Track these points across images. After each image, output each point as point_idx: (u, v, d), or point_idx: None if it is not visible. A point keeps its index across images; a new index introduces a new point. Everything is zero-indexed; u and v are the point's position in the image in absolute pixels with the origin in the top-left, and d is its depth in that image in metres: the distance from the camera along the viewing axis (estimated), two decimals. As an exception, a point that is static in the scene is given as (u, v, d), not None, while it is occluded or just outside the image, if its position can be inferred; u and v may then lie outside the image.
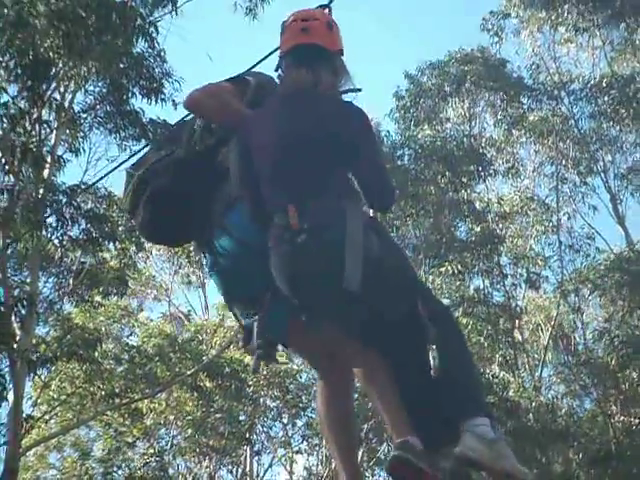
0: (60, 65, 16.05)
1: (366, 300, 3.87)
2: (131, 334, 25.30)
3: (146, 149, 5.62)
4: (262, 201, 4.11)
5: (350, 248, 3.81)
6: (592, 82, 26.61)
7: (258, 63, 5.59)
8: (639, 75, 26.50)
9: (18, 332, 16.09)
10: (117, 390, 20.97)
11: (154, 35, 16.40)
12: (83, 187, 16.76)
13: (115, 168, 11.80)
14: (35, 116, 15.70)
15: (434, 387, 4.03)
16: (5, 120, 15.18)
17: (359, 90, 4.52)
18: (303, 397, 25.27)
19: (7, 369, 15.98)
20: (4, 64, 14.94)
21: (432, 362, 4.13)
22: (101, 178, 18.16)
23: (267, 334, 4.32)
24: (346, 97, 4.49)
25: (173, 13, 17.41)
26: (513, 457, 3.85)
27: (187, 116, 5.02)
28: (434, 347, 4.07)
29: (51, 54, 15.21)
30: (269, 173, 4.12)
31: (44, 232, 16.37)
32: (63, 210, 16.17)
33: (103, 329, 22.78)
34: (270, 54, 5.14)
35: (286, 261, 3.94)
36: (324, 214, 3.93)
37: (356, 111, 4.25)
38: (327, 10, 5.02)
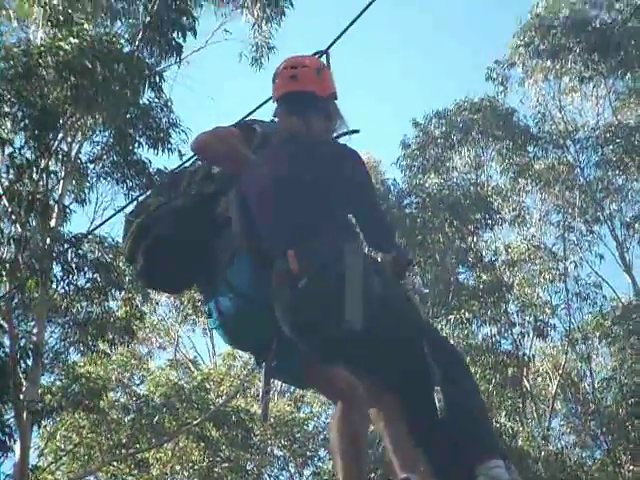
0: (67, 116, 16.15)
1: (370, 340, 3.87)
2: (142, 382, 25.22)
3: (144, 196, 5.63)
4: (263, 248, 4.13)
5: (350, 288, 3.81)
6: (597, 131, 26.74)
7: (252, 112, 5.62)
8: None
9: (24, 382, 16.07)
10: (124, 440, 20.88)
11: (160, 85, 16.51)
12: (88, 235, 16.78)
13: (113, 215, 11.86)
14: (42, 166, 15.77)
15: (444, 429, 3.97)
16: (12, 170, 15.26)
17: (357, 132, 4.57)
18: (310, 446, 25.12)
19: (13, 420, 15.94)
20: (11, 115, 15.03)
21: (438, 404, 4.09)
22: (101, 224, 18.16)
23: (281, 379, 4.37)
24: (344, 139, 4.53)
25: (179, 63, 17.57)
26: None
27: (187, 162, 5.04)
28: (439, 389, 4.02)
29: (59, 105, 15.29)
30: (267, 219, 4.17)
31: (50, 282, 16.39)
32: (69, 259, 16.20)
33: (113, 377, 22.75)
34: (264, 103, 5.18)
35: (289, 306, 3.96)
36: (323, 257, 3.95)
37: (349, 153, 4.30)
38: (325, 56, 5.08)
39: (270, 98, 4.78)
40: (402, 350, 3.97)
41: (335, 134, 4.47)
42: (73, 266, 16.33)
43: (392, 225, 4.57)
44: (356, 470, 4.29)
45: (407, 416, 4.06)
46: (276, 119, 4.51)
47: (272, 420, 23.12)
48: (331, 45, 5.53)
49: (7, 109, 15.01)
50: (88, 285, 16.94)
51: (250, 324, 4.23)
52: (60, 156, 16.60)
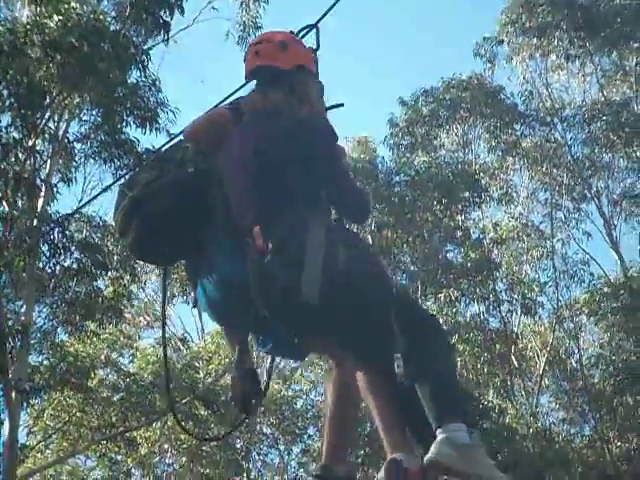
0: (54, 94, 16.09)
1: (336, 311, 3.91)
2: (130, 361, 25.23)
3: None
4: (240, 227, 4.16)
5: (309, 263, 3.86)
6: (584, 109, 26.74)
7: (237, 91, 5.59)
8: (631, 101, 26.68)
9: (12, 361, 16.07)
10: (113, 419, 20.91)
11: (146, 63, 16.43)
12: (73, 214, 16.73)
13: (98, 194, 11.76)
14: (28, 145, 15.72)
15: (410, 395, 3.98)
16: (-3, 149, 15.20)
17: (341, 105, 4.58)
18: (299, 423, 25.19)
19: (1, 399, 15.97)
20: (-3, 93, 14.95)
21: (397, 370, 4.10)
22: (86, 203, 18.09)
23: (280, 355, 4.56)
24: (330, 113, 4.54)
25: (167, 42, 17.46)
26: (489, 462, 3.82)
27: (174, 139, 5.03)
28: (404, 355, 4.02)
29: (45, 83, 15.23)
30: (238, 197, 4.20)
31: (38, 261, 16.36)
32: (55, 239, 16.16)
33: (102, 357, 22.72)
34: (247, 82, 5.16)
35: (257, 282, 4.01)
36: (286, 232, 3.98)
37: (315, 126, 4.31)
38: (315, 30, 5.06)
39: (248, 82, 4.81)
40: (366, 318, 3.98)
41: (309, 106, 4.46)
42: (60, 246, 16.29)
43: (365, 195, 4.58)
44: (341, 434, 4.30)
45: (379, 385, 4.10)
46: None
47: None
48: (320, 19, 5.50)
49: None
50: (74, 266, 16.89)
51: (234, 306, 4.27)
52: (47, 135, 16.55)
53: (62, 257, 16.51)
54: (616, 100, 26.82)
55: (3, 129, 15.35)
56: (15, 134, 15.47)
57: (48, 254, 16.37)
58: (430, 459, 3.75)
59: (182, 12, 16.97)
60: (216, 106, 4.96)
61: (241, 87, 5.56)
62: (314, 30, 5.05)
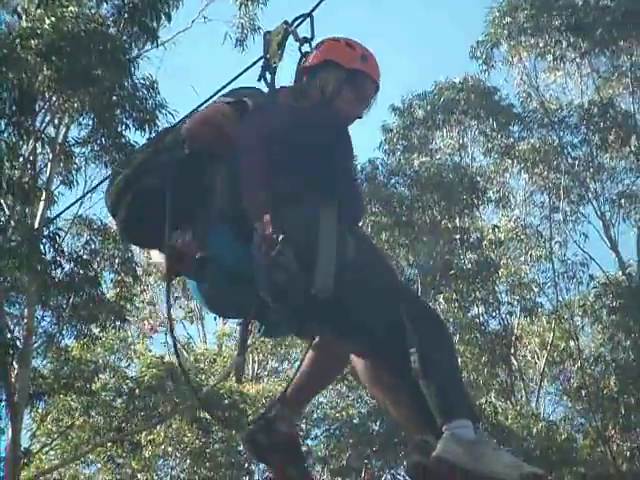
0: (54, 99, 16.12)
1: (344, 304, 3.93)
2: (129, 365, 25.21)
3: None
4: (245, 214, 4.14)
5: (322, 254, 3.88)
6: (580, 110, 26.72)
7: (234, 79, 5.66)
8: (617, 100, 26.73)
9: (15, 366, 16.12)
10: (117, 422, 20.91)
11: (132, 70, 16.45)
12: (59, 216, 16.61)
13: (83, 196, 11.72)
14: (23, 150, 15.71)
15: (418, 390, 3.99)
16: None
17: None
18: (302, 425, 25.12)
19: (4, 403, 16.03)
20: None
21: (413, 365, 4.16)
22: (71, 205, 18.01)
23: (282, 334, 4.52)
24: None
25: (159, 46, 17.59)
26: (496, 457, 3.77)
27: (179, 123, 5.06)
28: (415, 350, 3.99)
29: (43, 88, 15.22)
30: (253, 183, 4.15)
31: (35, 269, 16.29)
32: (45, 253, 16.08)
33: (100, 361, 22.69)
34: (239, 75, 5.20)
35: (263, 272, 3.97)
36: (297, 222, 3.99)
37: (324, 118, 4.35)
38: (309, 19, 5.16)
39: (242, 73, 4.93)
40: (378, 312, 4.01)
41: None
42: (51, 261, 16.21)
43: (361, 197, 4.63)
44: (306, 393, 4.43)
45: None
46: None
47: (264, 400, 23.14)
48: (314, 8, 5.58)
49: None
50: (67, 279, 16.82)
51: (227, 293, 4.23)
52: (41, 140, 16.50)
53: (53, 270, 16.46)
54: (612, 100, 26.76)
55: (-2, 134, 15.32)
56: (9, 139, 15.38)
57: (39, 267, 16.27)
58: (435, 456, 3.76)
59: (169, 20, 17.07)
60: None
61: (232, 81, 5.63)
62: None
